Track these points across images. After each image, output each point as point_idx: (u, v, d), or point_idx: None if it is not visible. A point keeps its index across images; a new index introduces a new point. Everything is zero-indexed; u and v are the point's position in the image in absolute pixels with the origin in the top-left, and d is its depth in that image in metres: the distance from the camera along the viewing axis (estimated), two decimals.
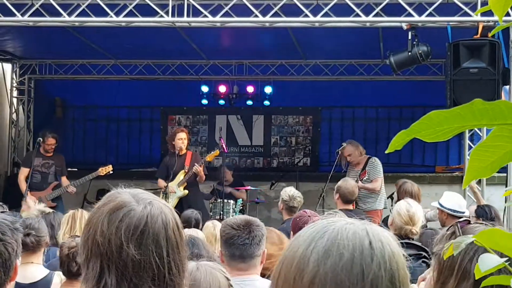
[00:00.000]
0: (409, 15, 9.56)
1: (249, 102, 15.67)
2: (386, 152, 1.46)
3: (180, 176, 11.89)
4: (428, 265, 4.75)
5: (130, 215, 2.15)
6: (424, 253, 5.52)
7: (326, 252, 1.46)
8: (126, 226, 2.13)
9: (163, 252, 2.14)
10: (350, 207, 9.14)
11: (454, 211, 8.54)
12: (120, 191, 2.25)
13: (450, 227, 2.68)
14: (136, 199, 2.20)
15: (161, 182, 12.01)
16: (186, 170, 11.89)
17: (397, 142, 1.36)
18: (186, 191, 11.81)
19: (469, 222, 2.66)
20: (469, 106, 1.34)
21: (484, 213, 8.40)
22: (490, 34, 9.40)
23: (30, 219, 5.92)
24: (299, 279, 1.46)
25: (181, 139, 11.95)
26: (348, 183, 9.38)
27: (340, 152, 12.10)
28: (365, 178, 11.56)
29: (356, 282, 1.43)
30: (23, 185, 12.21)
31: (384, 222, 9.69)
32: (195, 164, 11.77)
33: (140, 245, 2.12)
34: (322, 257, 1.46)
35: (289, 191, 9.14)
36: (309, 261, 1.46)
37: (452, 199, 8.77)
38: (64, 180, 12.64)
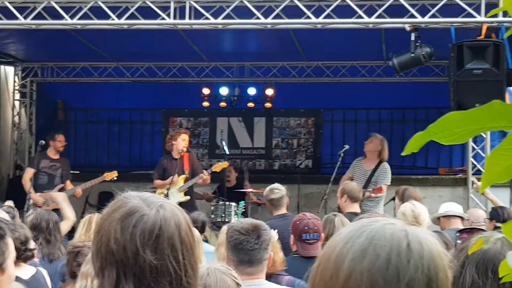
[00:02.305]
0: (412, 16, 9.52)
1: (251, 104, 15.63)
2: (402, 154, 1.44)
3: (181, 181, 11.85)
4: None
5: (144, 220, 2.11)
6: None
7: (363, 251, 1.45)
8: (141, 231, 2.10)
9: (178, 255, 2.11)
10: (357, 206, 9.09)
11: (447, 212, 8.63)
12: (128, 196, 2.20)
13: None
14: (146, 203, 2.16)
15: (159, 183, 11.98)
16: (187, 175, 11.88)
17: (414, 144, 1.34)
18: (188, 197, 11.80)
19: (470, 230, 2.65)
20: (487, 108, 1.31)
21: (497, 215, 8.43)
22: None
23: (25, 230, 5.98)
24: (335, 276, 1.46)
25: (185, 140, 11.95)
26: (351, 183, 9.36)
27: (342, 154, 12.09)
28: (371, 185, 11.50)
29: (392, 284, 1.42)
30: (27, 185, 12.19)
31: None
32: (203, 171, 11.79)
33: (156, 250, 2.08)
34: (359, 256, 1.45)
35: (269, 187, 9.09)
36: (346, 259, 1.46)
37: (444, 206, 8.86)
38: (68, 183, 12.63)
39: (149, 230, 2.10)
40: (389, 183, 11.64)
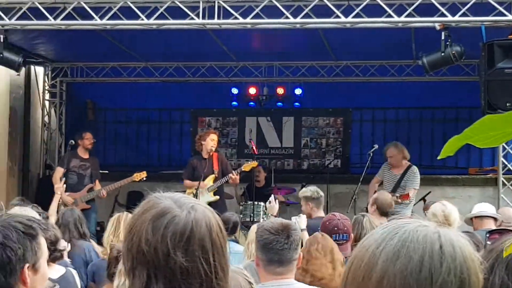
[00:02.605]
0: (442, 15, 9.46)
1: (279, 104, 15.62)
2: (439, 158, 1.43)
3: (210, 181, 11.88)
4: None
5: (175, 222, 2.10)
6: None
7: (395, 253, 1.45)
8: (172, 233, 2.08)
9: (209, 257, 2.09)
10: (385, 219, 9.03)
11: (480, 212, 8.56)
12: (159, 196, 2.19)
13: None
14: (178, 205, 2.15)
15: (189, 183, 12.01)
16: (216, 175, 11.91)
17: (450, 147, 1.33)
18: (217, 197, 11.82)
19: (501, 230, 2.62)
20: None
21: None
22: None
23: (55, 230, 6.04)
24: (367, 278, 1.46)
25: (213, 140, 11.99)
26: (385, 194, 9.33)
27: (371, 154, 12.06)
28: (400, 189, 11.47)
29: (425, 286, 1.42)
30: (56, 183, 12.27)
31: None
32: (233, 171, 11.81)
33: (187, 252, 2.07)
34: (391, 258, 1.45)
35: (307, 189, 9.16)
36: (378, 261, 1.46)
37: (478, 207, 8.79)
38: (98, 184, 12.71)
39: (180, 232, 2.09)
40: (418, 187, 11.62)
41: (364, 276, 1.47)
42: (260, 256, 4.55)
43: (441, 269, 1.43)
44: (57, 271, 5.89)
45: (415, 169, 11.68)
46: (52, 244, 5.77)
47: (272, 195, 9.98)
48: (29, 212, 6.04)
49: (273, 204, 9.36)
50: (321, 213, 9.20)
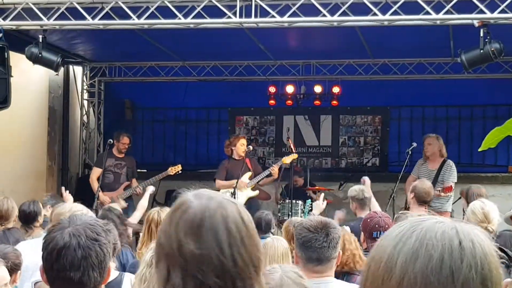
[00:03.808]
0: (481, 11, 9.36)
1: (317, 102, 15.58)
2: (479, 150, 1.41)
3: (247, 178, 12.01)
4: (508, 267, 4.63)
5: (188, 211, 2.12)
6: (504, 255, 5.38)
7: (414, 253, 1.42)
8: (184, 222, 2.10)
9: (223, 245, 2.08)
10: (423, 208, 8.97)
11: None
12: (184, 192, 2.21)
13: None
14: (196, 197, 2.16)
15: (223, 183, 12.10)
16: (252, 174, 12.04)
17: (491, 139, 1.31)
18: (257, 192, 11.94)
19: None
20: None
21: None
22: None
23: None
24: (387, 280, 1.44)
25: (244, 145, 12.20)
26: (425, 183, 9.23)
27: (410, 152, 11.99)
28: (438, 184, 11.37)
29: (446, 284, 1.39)
30: (95, 185, 12.40)
31: None
32: (273, 165, 11.94)
33: (199, 240, 2.07)
34: (411, 258, 1.42)
35: (354, 188, 9.09)
36: (397, 262, 1.43)
37: None
38: (134, 182, 12.81)
39: (191, 220, 2.09)
40: (456, 180, 11.52)
41: (383, 278, 1.44)
42: (299, 254, 4.55)
43: (461, 266, 1.40)
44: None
45: (451, 162, 11.60)
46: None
47: (322, 194, 10.04)
48: (79, 207, 6.02)
49: (319, 202, 9.40)
50: (365, 214, 9.11)
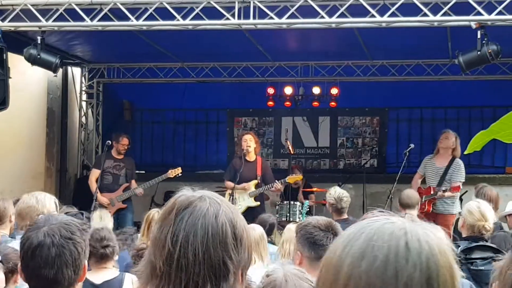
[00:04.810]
0: (478, 13, 9.38)
1: (315, 104, 15.59)
2: (465, 153, 1.43)
3: (252, 186, 11.91)
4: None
5: (186, 216, 2.12)
6: (500, 256, 5.40)
7: (361, 254, 1.43)
8: (179, 227, 2.11)
9: (211, 249, 2.07)
10: (414, 211, 8.96)
11: None
12: (181, 193, 2.22)
13: None
14: (188, 202, 2.16)
15: (229, 184, 12.00)
16: (258, 180, 11.94)
17: (476, 143, 1.33)
18: (258, 203, 11.86)
19: None
20: None
21: None
22: None
23: (103, 230, 6.01)
24: (335, 281, 1.44)
25: (246, 141, 11.99)
26: (406, 190, 9.35)
27: (408, 154, 11.98)
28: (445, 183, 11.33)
29: (389, 284, 1.39)
30: (93, 186, 12.38)
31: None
32: (276, 181, 11.83)
33: (187, 244, 2.07)
34: (357, 259, 1.42)
35: (334, 193, 8.92)
36: (344, 263, 1.44)
37: (510, 204, 8.69)
38: (134, 183, 12.80)
39: (187, 226, 2.10)
40: (464, 180, 11.49)
41: (332, 280, 1.45)
42: (307, 253, 4.54)
43: (407, 266, 1.40)
44: (104, 275, 5.77)
45: (460, 161, 11.50)
46: (101, 240, 5.80)
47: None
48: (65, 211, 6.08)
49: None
50: (342, 217, 8.97)
